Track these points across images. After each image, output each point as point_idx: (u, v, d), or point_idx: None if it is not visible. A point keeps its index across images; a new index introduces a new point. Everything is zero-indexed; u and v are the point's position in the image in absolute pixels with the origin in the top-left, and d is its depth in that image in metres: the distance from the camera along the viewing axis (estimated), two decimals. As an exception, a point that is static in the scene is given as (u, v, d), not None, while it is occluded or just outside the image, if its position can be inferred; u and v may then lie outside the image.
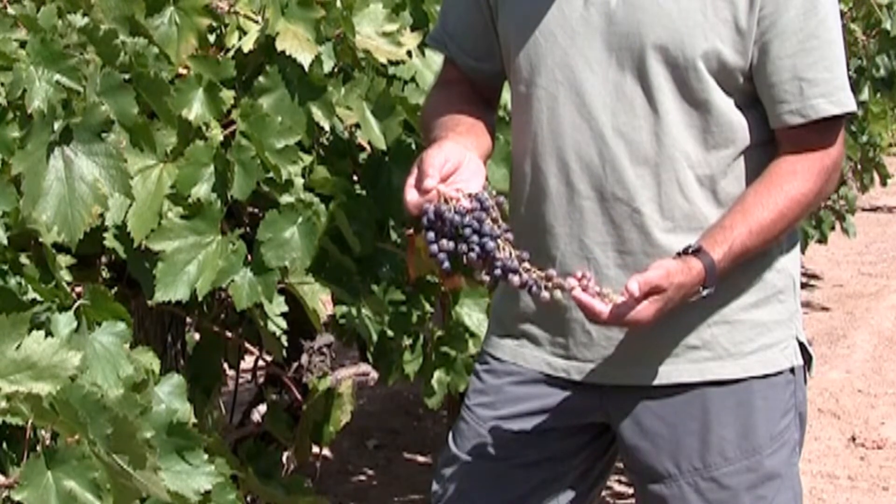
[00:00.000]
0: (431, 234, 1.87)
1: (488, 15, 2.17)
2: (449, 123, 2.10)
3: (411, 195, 1.92)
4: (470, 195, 1.88)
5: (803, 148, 2.04)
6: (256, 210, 2.46)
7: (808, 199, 2.04)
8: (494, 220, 1.86)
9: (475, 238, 1.86)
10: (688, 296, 1.96)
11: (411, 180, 1.93)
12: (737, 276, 2.07)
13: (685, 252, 1.97)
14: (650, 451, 2.11)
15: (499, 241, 1.85)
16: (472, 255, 1.86)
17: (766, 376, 2.10)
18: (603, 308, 1.89)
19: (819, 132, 2.04)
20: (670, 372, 2.09)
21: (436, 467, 2.28)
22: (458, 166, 1.94)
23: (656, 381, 2.09)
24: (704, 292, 1.97)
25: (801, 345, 2.15)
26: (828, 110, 2.02)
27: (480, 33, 2.19)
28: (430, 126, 2.15)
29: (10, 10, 2.05)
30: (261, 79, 2.41)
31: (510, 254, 1.86)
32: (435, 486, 2.25)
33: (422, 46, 2.69)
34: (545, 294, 1.86)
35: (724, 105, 2.03)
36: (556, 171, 2.09)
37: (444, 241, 1.86)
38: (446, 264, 1.87)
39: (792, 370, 2.12)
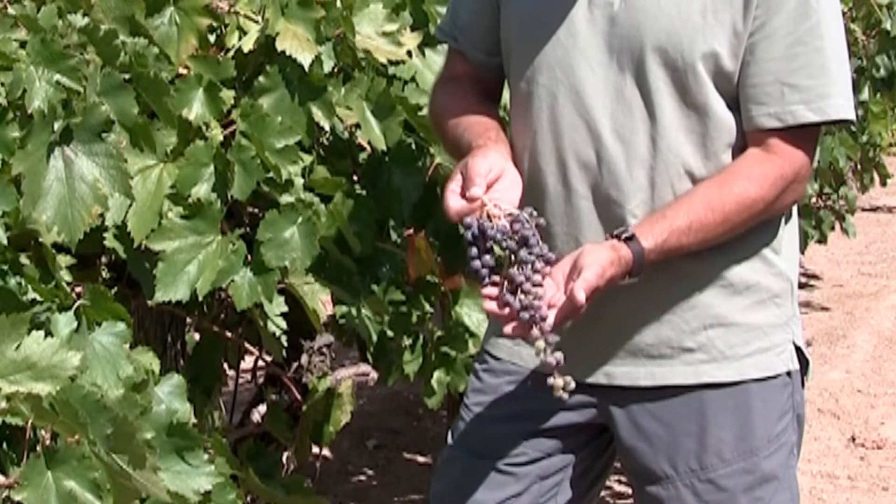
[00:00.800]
0: (475, 250, 1.89)
1: (496, 8, 2.17)
2: (479, 128, 2.10)
3: (455, 201, 1.92)
4: (511, 214, 1.89)
5: (770, 153, 2.02)
6: (256, 210, 2.46)
7: (757, 206, 2.01)
8: (532, 246, 1.88)
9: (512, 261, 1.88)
10: (612, 285, 1.95)
11: (454, 185, 1.94)
12: (733, 279, 2.07)
13: (618, 237, 1.96)
14: (647, 452, 2.11)
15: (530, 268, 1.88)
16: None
17: (762, 379, 2.09)
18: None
19: (791, 139, 2.01)
20: (665, 373, 2.09)
21: (435, 467, 2.28)
22: (499, 175, 1.95)
23: (652, 383, 2.09)
24: (627, 281, 1.96)
25: (798, 349, 2.14)
26: (806, 117, 2.00)
27: (490, 28, 2.19)
28: (452, 124, 2.15)
29: (11, 10, 2.05)
30: (261, 79, 2.41)
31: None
32: (434, 485, 2.25)
33: (422, 46, 2.69)
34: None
35: (723, 110, 2.03)
36: (554, 169, 2.09)
37: (486, 257, 1.88)
38: (486, 280, 1.89)
39: (788, 374, 2.12)
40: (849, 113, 2.03)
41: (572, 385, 1.87)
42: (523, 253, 1.87)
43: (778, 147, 2.01)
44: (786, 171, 2.01)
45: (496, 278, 1.89)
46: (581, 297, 1.86)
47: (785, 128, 2.00)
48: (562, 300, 1.89)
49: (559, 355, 1.86)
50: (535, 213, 1.91)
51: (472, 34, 2.22)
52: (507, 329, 1.88)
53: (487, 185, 1.92)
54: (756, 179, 2.00)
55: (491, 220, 1.88)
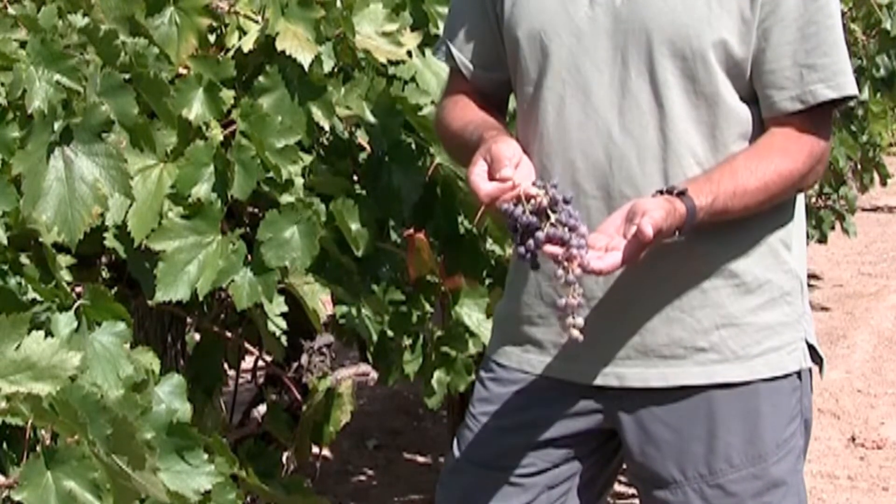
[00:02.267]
0: (518, 237, 1.89)
1: (494, 22, 2.16)
2: (488, 125, 2.11)
3: (485, 184, 1.92)
4: (547, 191, 1.88)
5: (797, 132, 2.03)
6: (256, 210, 2.45)
7: (793, 179, 2.03)
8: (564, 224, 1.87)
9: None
10: (665, 237, 1.93)
11: (479, 170, 1.93)
12: (746, 277, 2.07)
13: (670, 192, 1.95)
14: (656, 457, 2.10)
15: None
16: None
17: (772, 379, 2.09)
18: (614, 259, 1.88)
19: (813, 119, 2.04)
20: (677, 374, 2.08)
21: (440, 472, 2.26)
22: (519, 162, 1.95)
23: (663, 384, 2.08)
24: (675, 238, 1.95)
25: (811, 347, 2.14)
26: (826, 95, 2.02)
27: (487, 41, 2.18)
28: (459, 128, 2.15)
29: (11, 10, 2.05)
30: (261, 79, 2.40)
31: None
32: (439, 496, 2.23)
33: (422, 46, 2.69)
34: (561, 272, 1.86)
35: (733, 99, 2.03)
36: (561, 170, 2.08)
37: (530, 242, 1.88)
38: (530, 265, 1.91)
39: (799, 374, 2.11)
40: (854, 88, 2.06)
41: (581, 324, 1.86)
42: (570, 235, 1.86)
43: (801, 128, 2.04)
44: (815, 148, 2.04)
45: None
46: (649, 230, 1.85)
47: (806, 109, 2.02)
48: (622, 244, 1.88)
49: (579, 299, 1.85)
50: (557, 185, 1.91)
51: (469, 49, 2.21)
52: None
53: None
54: (792, 154, 2.02)
55: (529, 201, 1.88)
